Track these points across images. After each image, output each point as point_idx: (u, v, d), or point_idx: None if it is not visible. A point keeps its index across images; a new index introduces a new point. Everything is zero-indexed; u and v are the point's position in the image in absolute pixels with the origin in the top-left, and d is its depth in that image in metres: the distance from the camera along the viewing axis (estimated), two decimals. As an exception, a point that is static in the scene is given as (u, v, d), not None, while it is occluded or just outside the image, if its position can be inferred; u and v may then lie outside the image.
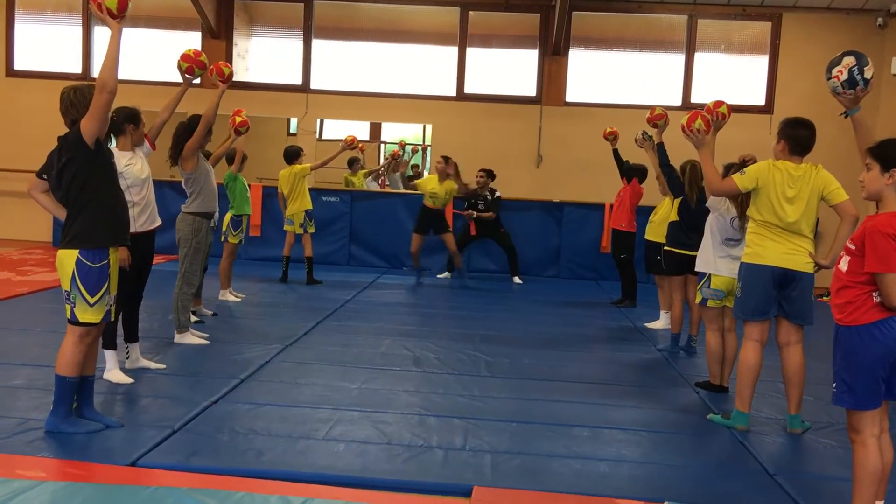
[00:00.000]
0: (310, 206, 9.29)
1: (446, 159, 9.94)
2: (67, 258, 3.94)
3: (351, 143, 9.59)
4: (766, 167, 4.49)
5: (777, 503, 3.61)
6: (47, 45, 12.55)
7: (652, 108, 6.56)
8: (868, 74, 3.75)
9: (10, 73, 12.51)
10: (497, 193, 10.43)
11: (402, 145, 14.37)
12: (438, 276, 10.68)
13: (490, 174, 10.42)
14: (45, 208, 4.24)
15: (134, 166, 5.02)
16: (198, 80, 5.74)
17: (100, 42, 12.48)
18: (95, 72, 12.26)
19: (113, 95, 3.84)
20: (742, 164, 5.02)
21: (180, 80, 5.55)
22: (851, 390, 3.20)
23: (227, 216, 8.00)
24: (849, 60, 3.72)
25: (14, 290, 7.88)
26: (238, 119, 7.36)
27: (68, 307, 3.97)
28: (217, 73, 5.98)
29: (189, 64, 5.49)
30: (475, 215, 10.34)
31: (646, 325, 7.85)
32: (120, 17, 3.90)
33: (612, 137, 9.06)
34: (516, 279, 10.61)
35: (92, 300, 3.95)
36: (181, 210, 6.14)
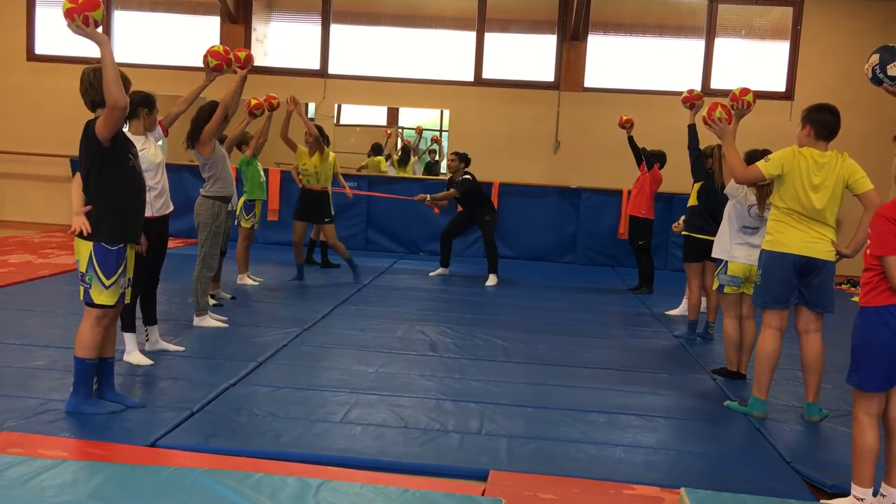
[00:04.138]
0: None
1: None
2: (84, 241, 3.99)
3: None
4: (791, 154, 4.44)
5: (794, 491, 3.60)
6: (67, 30, 12.57)
7: (690, 89, 6.51)
8: (893, 71, 3.68)
9: (31, 57, 12.56)
10: (466, 176, 9.14)
11: (419, 131, 14.37)
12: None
13: (463, 158, 9.21)
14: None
15: (147, 151, 5.00)
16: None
17: (119, 25, 12.52)
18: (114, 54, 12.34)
19: (126, 109, 3.85)
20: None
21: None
22: (859, 370, 3.27)
23: (241, 201, 8.04)
24: (873, 59, 3.66)
25: (36, 272, 7.97)
26: (253, 101, 7.42)
27: (83, 288, 4.02)
28: (234, 59, 5.98)
29: (218, 61, 5.43)
30: (428, 198, 9.34)
31: (665, 312, 7.80)
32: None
33: (628, 125, 8.98)
34: (491, 278, 9.07)
35: (107, 282, 3.99)
36: (200, 194, 6.18)
